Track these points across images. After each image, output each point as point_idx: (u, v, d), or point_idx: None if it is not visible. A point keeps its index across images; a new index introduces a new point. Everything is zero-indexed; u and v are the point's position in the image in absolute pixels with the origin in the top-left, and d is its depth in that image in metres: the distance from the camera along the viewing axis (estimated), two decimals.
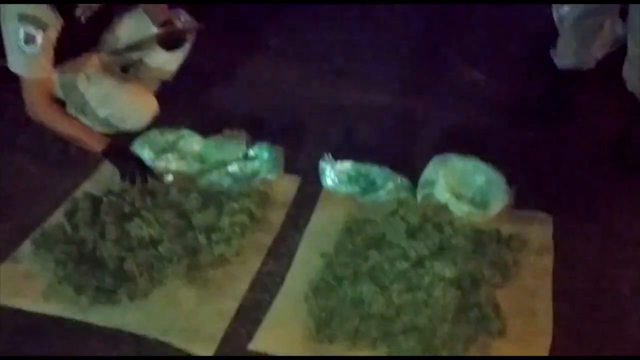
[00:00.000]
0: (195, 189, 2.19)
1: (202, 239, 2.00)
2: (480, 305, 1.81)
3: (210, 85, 2.82)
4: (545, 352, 1.72)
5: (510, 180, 2.15)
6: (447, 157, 2.21)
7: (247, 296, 1.90)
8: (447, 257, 1.90)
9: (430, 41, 3.16)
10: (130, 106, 2.46)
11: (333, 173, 2.24)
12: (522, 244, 2.02)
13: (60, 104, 2.39)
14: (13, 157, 2.42)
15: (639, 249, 2.04)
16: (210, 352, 1.74)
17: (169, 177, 2.25)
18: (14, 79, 2.25)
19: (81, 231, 2.02)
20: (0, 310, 1.85)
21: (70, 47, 2.29)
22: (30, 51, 2.07)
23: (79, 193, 2.21)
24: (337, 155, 2.27)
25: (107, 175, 2.29)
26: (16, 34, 2.04)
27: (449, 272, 1.85)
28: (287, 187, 2.28)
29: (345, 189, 2.23)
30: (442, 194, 2.11)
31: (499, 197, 2.12)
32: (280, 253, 2.04)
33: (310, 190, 2.26)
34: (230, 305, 1.87)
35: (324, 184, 2.25)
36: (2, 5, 2.14)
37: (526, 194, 2.19)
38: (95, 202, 2.12)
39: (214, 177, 2.27)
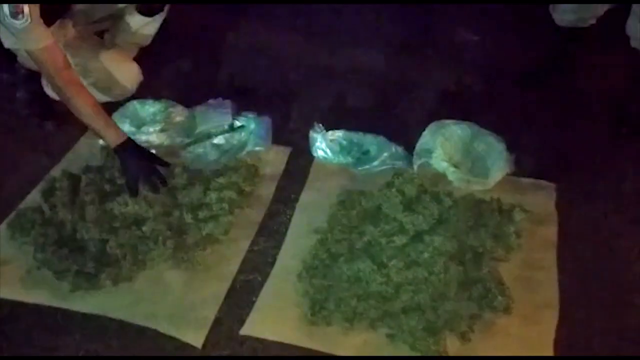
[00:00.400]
0: (180, 163, 2.12)
1: (188, 217, 1.93)
2: (483, 280, 1.76)
3: (193, 53, 2.74)
4: (552, 327, 1.68)
5: (511, 147, 2.09)
6: (444, 124, 2.15)
7: (238, 277, 1.84)
8: (447, 231, 1.84)
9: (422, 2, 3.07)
10: (113, 75, 2.38)
11: (324, 143, 2.18)
12: (524, 215, 1.94)
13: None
14: None
15: None
16: (200, 339, 1.68)
17: (151, 152, 2.15)
18: None
19: (60, 212, 1.96)
20: None
21: (42, 17, 2.18)
22: (22, 24, 1.98)
23: (56, 171, 2.14)
24: (329, 124, 2.21)
25: (85, 150, 2.22)
26: (1, 14, 1.95)
27: (449, 246, 1.79)
28: (276, 159, 2.22)
29: (337, 159, 2.18)
30: (439, 162, 2.06)
31: (500, 165, 2.06)
32: (272, 230, 1.99)
33: (301, 162, 2.21)
34: (220, 287, 1.80)
35: (315, 155, 2.20)
36: None
37: (527, 161, 2.14)
38: (74, 180, 2.05)
39: (199, 150, 2.20)
